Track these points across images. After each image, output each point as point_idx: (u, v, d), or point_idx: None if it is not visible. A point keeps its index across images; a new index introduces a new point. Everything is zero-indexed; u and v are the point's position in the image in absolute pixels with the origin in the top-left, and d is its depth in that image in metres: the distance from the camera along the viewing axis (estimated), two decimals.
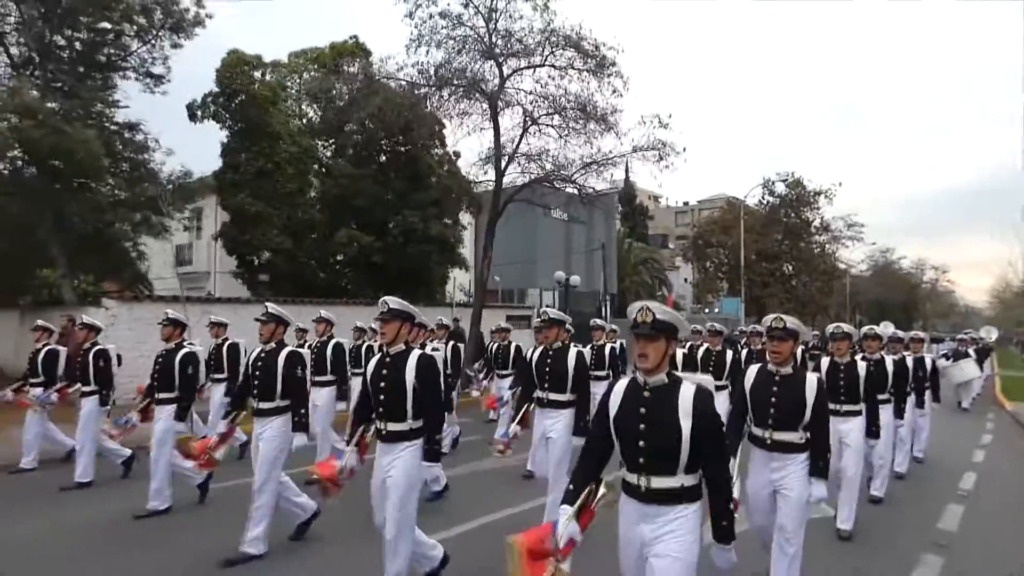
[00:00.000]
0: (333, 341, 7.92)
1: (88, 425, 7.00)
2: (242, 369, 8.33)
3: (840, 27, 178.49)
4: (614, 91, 15.39)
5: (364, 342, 9.66)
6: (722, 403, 6.76)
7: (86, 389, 7.13)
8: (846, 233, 43.65)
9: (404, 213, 19.66)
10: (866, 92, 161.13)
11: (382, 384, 4.06)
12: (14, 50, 15.22)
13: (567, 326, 5.86)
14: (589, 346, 9.72)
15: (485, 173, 17.07)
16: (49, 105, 13.70)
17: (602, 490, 2.92)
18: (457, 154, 21.32)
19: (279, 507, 5.10)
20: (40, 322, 8.29)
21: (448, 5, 14.85)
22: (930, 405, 8.88)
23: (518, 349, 9.84)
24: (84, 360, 7.15)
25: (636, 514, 2.86)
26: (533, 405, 5.57)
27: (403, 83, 15.54)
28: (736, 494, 3.50)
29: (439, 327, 9.85)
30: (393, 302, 4.13)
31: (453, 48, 15.02)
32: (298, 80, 21.88)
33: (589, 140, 15.86)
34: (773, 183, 41.80)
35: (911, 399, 8.11)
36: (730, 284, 42.43)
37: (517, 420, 5.52)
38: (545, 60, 15.28)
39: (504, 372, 9.91)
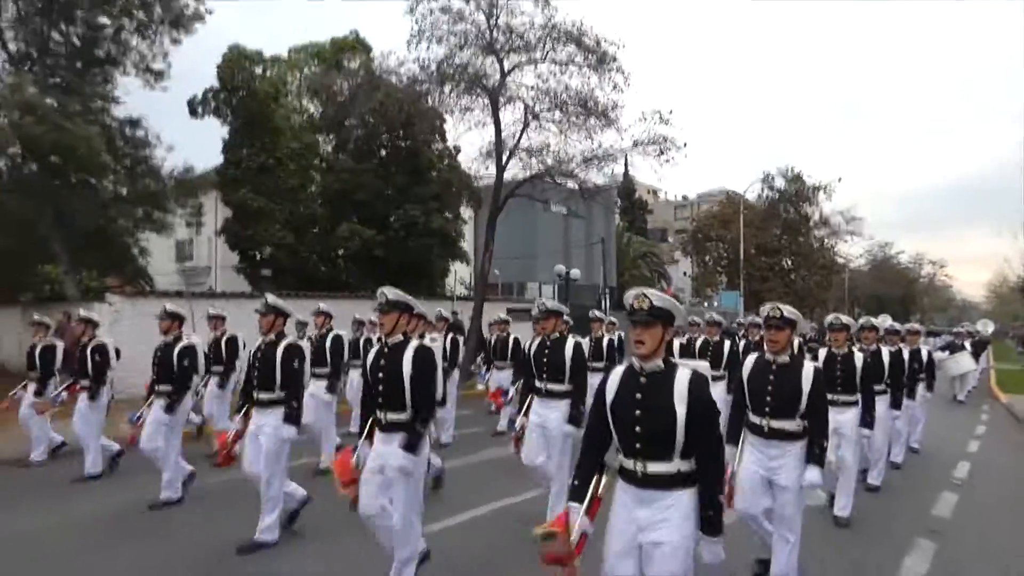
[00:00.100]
0: (332, 334, 7.99)
1: (90, 419, 7.04)
2: (239, 363, 8.46)
3: (841, 23, 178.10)
4: (615, 86, 15.44)
5: (363, 334, 9.73)
6: (717, 394, 6.84)
7: (85, 384, 7.17)
8: (845, 228, 43.79)
9: (405, 207, 19.73)
10: (867, 88, 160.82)
11: (380, 375, 4.11)
12: (12, 46, 15.21)
13: (565, 317, 5.90)
14: (588, 338, 9.76)
15: (487, 168, 17.13)
16: (48, 101, 13.70)
17: (605, 478, 2.97)
18: (457, 149, 21.38)
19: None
20: (36, 317, 8.31)
21: (449, 1, 14.87)
22: (924, 395, 8.98)
23: (516, 341, 9.88)
24: (83, 355, 7.18)
25: (633, 499, 2.88)
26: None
27: (404, 78, 15.57)
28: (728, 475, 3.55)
29: (438, 319, 9.93)
30: (391, 293, 4.15)
31: (454, 43, 15.05)
32: (299, 76, 21.91)
33: (590, 135, 15.89)
34: (773, 177, 41.93)
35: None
36: (729, 278, 42.52)
37: (523, 412, 5.56)
38: (546, 55, 15.28)
39: (503, 364, 9.97)
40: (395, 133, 20.16)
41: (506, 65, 15.37)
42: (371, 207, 19.98)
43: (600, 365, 9.41)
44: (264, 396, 5.13)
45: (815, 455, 4.08)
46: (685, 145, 15.80)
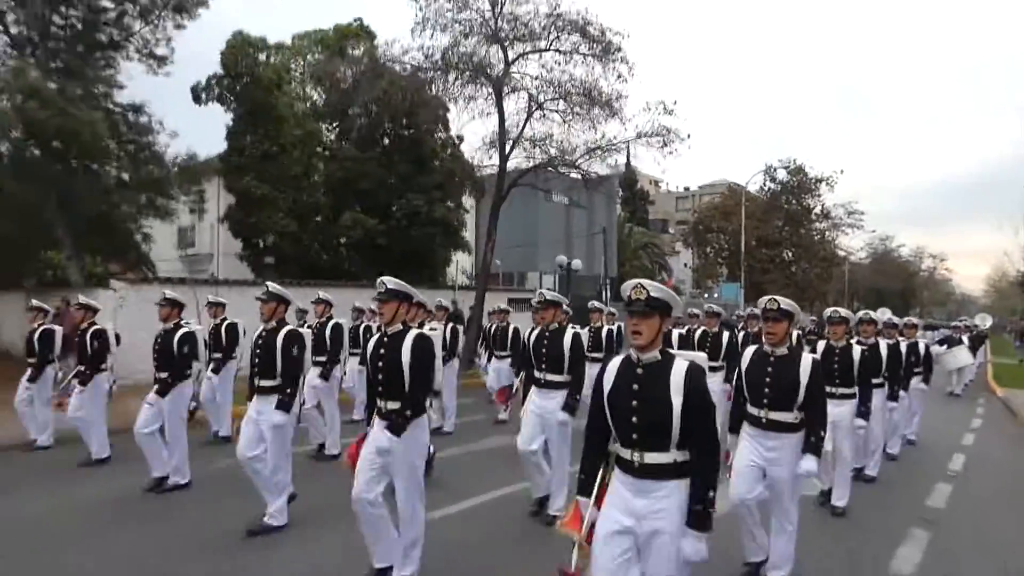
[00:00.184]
0: (332, 322, 8.03)
1: (92, 404, 7.07)
2: (239, 350, 8.51)
3: (844, 15, 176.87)
4: (619, 77, 15.41)
5: (362, 322, 9.77)
6: (714, 385, 6.89)
7: (81, 368, 7.17)
8: (846, 220, 43.73)
9: (408, 196, 19.72)
10: (869, 81, 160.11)
11: (380, 363, 4.14)
12: (13, 29, 15.14)
13: (564, 307, 5.92)
14: (587, 328, 9.79)
15: (490, 158, 17.12)
16: (51, 86, 13.66)
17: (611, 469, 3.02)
18: (460, 138, 21.36)
19: (258, 487, 5.15)
20: (34, 302, 8.29)
21: None
22: (921, 388, 9.05)
23: (516, 331, 9.87)
24: (82, 340, 7.18)
25: (630, 489, 2.89)
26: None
27: (408, 67, 15.53)
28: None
29: (438, 308, 9.96)
30: (391, 282, 4.18)
31: (459, 32, 15.00)
32: (302, 63, 21.84)
33: (593, 125, 15.87)
34: (775, 169, 41.84)
35: None
36: (730, 270, 42.50)
37: (524, 404, 5.60)
38: (551, 45, 15.25)
39: (502, 354, 10.01)
40: (398, 122, 20.11)
41: (510, 54, 15.35)
42: (374, 196, 19.98)
43: (599, 356, 9.45)
44: (264, 383, 5.18)
45: (812, 444, 4.11)
46: (689, 136, 15.82)
